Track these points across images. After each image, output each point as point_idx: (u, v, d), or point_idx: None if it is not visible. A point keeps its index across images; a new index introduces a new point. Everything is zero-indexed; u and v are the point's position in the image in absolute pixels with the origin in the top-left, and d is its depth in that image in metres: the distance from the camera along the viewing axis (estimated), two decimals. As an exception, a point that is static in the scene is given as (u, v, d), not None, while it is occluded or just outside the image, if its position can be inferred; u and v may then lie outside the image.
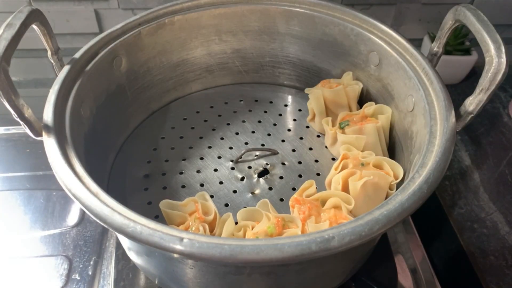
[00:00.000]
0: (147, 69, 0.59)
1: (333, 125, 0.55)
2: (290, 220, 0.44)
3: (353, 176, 0.47)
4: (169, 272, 0.43)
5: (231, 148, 0.57)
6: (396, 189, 0.41)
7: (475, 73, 0.80)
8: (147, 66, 0.59)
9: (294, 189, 0.52)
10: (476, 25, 0.42)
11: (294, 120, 0.62)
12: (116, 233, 0.35)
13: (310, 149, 0.58)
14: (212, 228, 0.44)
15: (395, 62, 0.52)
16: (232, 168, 0.55)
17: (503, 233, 0.57)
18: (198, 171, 0.55)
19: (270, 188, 0.53)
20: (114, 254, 0.55)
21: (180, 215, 0.44)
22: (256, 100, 0.65)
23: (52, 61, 0.48)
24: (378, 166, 0.48)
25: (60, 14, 0.72)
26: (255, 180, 0.54)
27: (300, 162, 0.56)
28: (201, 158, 0.56)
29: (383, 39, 0.53)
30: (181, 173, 0.55)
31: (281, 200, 0.52)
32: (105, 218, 0.34)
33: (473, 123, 0.44)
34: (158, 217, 0.49)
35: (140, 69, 0.58)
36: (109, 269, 0.54)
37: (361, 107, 0.56)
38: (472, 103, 0.43)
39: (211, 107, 0.64)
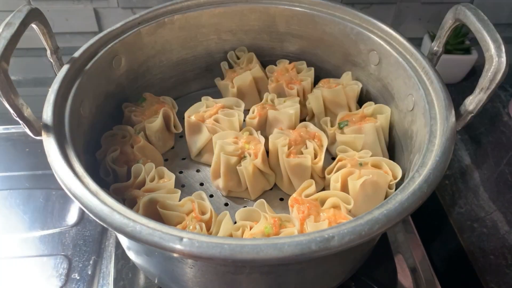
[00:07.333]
0: (146, 68, 0.59)
1: (332, 125, 0.55)
2: (287, 219, 0.44)
3: (352, 175, 0.47)
4: (169, 272, 0.43)
5: (230, 147, 0.57)
6: (396, 189, 0.41)
7: (475, 72, 0.80)
8: (147, 65, 0.59)
9: (293, 188, 0.52)
10: (476, 24, 0.42)
11: (294, 119, 0.61)
12: (116, 232, 0.35)
13: (310, 148, 0.58)
14: (208, 227, 0.44)
15: (395, 61, 0.52)
16: (232, 168, 0.55)
17: (503, 233, 0.57)
18: (197, 170, 0.55)
19: (270, 188, 0.53)
20: (113, 254, 0.55)
21: (177, 215, 0.44)
22: (256, 99, 0.64)
23: (52, 60, 0.48)
24: (376, 166, 0.48)
25: (60, 13, 0.71)
26: (254, 179, 0.53)
27: (300, 162, 0.56)
28: (201, 158, 0.56)
29: (383, 38, 0.53)
30: (181, 172, 0.54)
31: (281, 199, 0.52)
32: (104, 218, 0.34)
33: (473, 122, 0.44)
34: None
35: (139, 69, 0.58)
36: (109, 268, 0.54)
37: (361, 107, 0.56)
38: (472, 102, 0.43)
39: (211, 106, 0.64)
